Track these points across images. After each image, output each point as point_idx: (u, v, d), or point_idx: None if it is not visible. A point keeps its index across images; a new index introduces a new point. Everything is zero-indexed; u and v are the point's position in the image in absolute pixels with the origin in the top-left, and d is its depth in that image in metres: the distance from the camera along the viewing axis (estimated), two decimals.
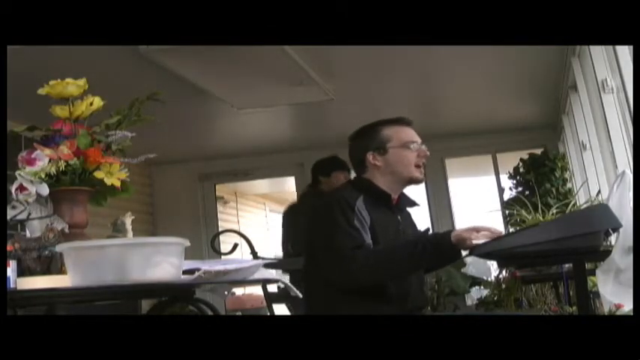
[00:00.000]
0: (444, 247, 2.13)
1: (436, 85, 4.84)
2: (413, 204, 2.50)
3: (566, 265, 2.65)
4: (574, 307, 2.58)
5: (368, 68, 4.13)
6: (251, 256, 3.38)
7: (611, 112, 3.19)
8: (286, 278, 2.82)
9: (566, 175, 4.97)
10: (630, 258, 1.88)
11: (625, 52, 2.72)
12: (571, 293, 2.85)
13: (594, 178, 4.15)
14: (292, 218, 4.32)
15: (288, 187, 7.44)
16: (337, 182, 3.99)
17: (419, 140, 2.41)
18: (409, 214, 2.52)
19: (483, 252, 2.09)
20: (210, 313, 1.96)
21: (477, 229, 2.08)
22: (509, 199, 4.60)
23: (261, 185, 8.42)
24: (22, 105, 2.49)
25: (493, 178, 6.18)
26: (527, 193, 4.64)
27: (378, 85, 4.56)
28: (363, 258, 2.14)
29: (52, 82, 1.78)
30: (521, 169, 5.02)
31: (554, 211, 2.95)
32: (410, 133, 2.41)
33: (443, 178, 6.30)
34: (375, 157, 2.36)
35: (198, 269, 1.54)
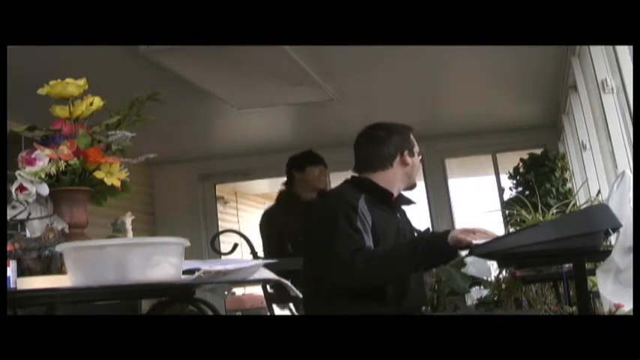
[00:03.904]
0: (442, 250, 2.15)
1: (436, 85, 4.84)
2: (409, 202, 2.53)
3: (566, 265, 2.64)
4: (574, 307, 2.58)
5: (368, 68, 4.13)
6: (251, 256, 3.38)
7: (611, 112, 3.18)
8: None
9: (566, 175, 4.96)
10: (630, 258, 1.87)
11: (625, 52, 2.72)
12: (571, 293, 2.85)
13: (594, 178, 4.15)
14: (265, 224, 4.17)
15: None
16: (312, 177, 3.93)
17: None
18: (405, 212, 2.56)
19: (483, 252, 2.09)
20: (210, 313, 1.96)
21: (472, 231, 2.10)
22: (509, 199, 4.59)
23: (261, 185, 8.41)
24: (22, 105, 2.49)
25: (493, 178, 6.18)
26: (527, 193, 4.63)
27: (378, 85, 4.55)
28: (363, 262, 2.14)
29: (52, 82, 1.78)
30: (521, 169, 5.02)
31: (554, 211, 2.94)
32: None
33: (443, 178, 6.29)
34: (408, 158, 2.44)
35: (198, 269, 1.54)
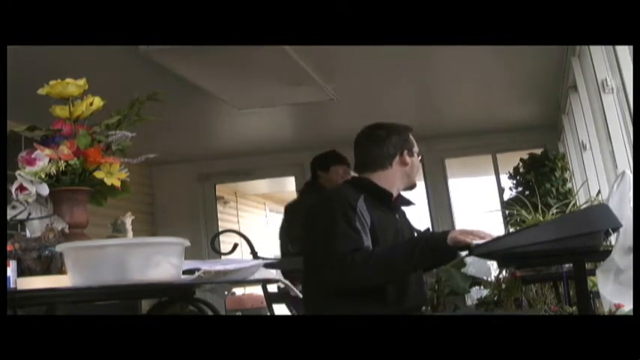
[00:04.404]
0: (441, 250, 2.15)
1: (436, 85, 4.84)
2: (409, 203, 2.53)
3: (566, 265, 2.64)
4: (574, 307, 2.58)
5: (368, 68, 4.13)
6: (251, 256, 3.38)
7: (611, 112, 3.19)
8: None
9: (566, 175, 4.97)
10: (630, 258, 1.88)
11: (625, 52, 2.72)
12: (571, 293, 2.85)
13: (594, 178, 4.15)
14: (291, 217, 4.28)
15: (288, 187, 7.44)
16: (336, 176, 3.98)
17: None
18: (404, 213, 2.56)
19: (483, 252, 2.09)
20: (210, 313, 1.96)
21: (471, 232, 2.10)
22: (509, 199, 4.60)
23: (261, 185, 8.42)
24: (22, 105, 2.49)
25: (493, 178, 6.18)
26: (527, 193, 4.64)
27: (379, 85, 4.56)
28: (362, 262, 2.14)
29: (52, 82, 1.78)
30: (521, 169, 5.02)
31: (554, 211, 2.95)
32: None
33: (443, 178, 6.30)
34: (407, 158, 2.43)
35: (198, 269, 1.54)
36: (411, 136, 2.48)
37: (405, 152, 2.43)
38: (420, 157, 2.50)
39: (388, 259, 2.18)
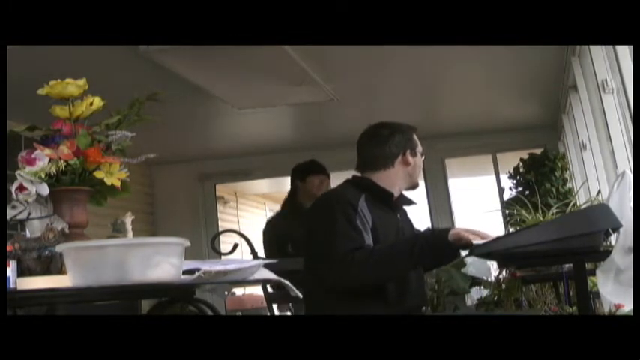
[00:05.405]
0: (442, 247, 2.15)
1: (436, 85, 4.84)
2: (410, 202, 2.53)
3: (566, 265, 2.64)
4: (574, 307, 2.58)
5: (368, 68, 4.13)
6: (251, 256, 3.38)
7: (611, 112, 3.19)
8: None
9: (566, 175, 4.97)
10: (630, 258, 1.88)
11: (625, 52, 2.72)
12: (571, 293, 2.85)
13: (594, 178, 4.15)
14: (267, 230, 4.20)
15: (288, 187, 7.43)
16: (311, 187, 3.98)
17: None
18: (405, 212, 2.56)
19: (483, 252, 2.09)
20: (210, 313, 1.96)
21: (473, 232, 2.10)
22: (509, 199, 4.60)
23: (261, 185, 8.42)
24: (22, 105, 2.49)
25: (493, 178, 6.18)
26: (527, 193, 4.64)
27: (379, 86, 4.56)
28: (362, 260, 2.14)
29: (52, 82, 1.78)
30: (521, 169, 5.02)
31: (554, 211, 2.95)
32: None
33: (443, 178, 6.30)
34: (410, 158, 2.43)
35: (198, 269, 1.54)
36: (414, 136, 2.48)
37: (408, 152, 2.42)
38: (423, 158, 2.49)
39: (388, 256, 2.18)
